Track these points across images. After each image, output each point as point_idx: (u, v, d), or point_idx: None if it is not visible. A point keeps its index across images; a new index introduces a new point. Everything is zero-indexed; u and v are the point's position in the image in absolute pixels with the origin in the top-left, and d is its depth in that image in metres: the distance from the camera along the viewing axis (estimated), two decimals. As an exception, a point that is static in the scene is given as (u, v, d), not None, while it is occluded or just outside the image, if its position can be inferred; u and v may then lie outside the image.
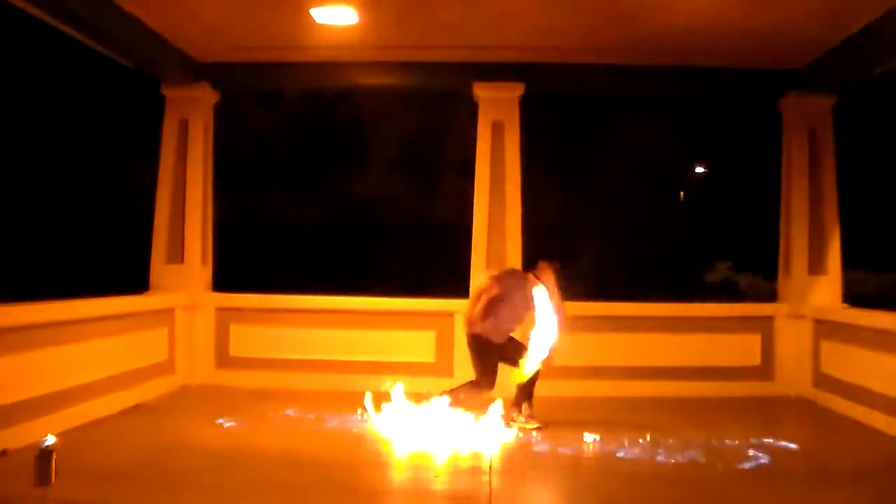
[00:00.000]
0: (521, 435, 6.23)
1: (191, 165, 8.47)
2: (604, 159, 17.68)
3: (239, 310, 8.41)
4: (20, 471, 4.04)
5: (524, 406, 6.45)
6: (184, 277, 8.33)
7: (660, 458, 5.61)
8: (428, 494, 4.85)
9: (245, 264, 13.28)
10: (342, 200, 16.79)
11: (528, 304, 6.34)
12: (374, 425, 6.31)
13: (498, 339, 6.31)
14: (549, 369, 6.42)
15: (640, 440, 6.06)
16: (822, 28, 6.97)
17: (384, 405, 6.32)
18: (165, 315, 7.86)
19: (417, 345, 8.17)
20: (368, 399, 6.40)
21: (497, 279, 6.44)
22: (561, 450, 5.90)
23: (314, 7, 6.81)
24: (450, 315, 8.10)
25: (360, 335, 8.20)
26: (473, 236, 8.32)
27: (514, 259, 8.12)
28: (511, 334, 6.42)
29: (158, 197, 8.48)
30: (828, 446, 6.16)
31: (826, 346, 7.69)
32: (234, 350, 8.30)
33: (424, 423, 6.08)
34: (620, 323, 8.19)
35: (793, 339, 8.10)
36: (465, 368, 7.94)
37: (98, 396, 6.44)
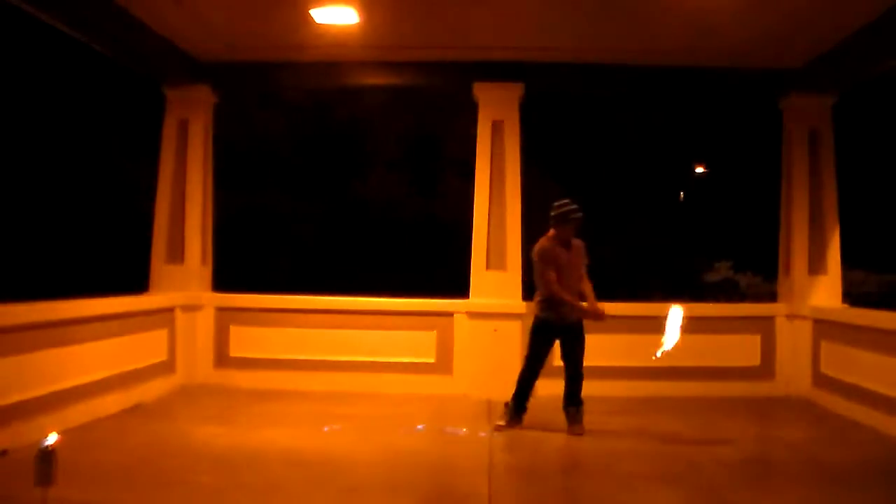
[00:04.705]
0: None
1: (191, 165, 8.46)
2: (604, 159, 17.70)
3: (239, 310, 8.40)
4: (20, 471, 4.04)
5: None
6: (184, 277, 8.32)
7: (659, 458, 5.61)
8: (429, 493, 4.85)
9: (245, 264, 13.29)
10: (342, 200, 16.81)
11: None
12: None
13: None
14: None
15: (639, 441, 6.06)
16: (822, 28, 6.97)
17: None
18: (165, 315, 7.85)
19: (417, 345, 8.16)
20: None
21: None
22: (560, 450, 5.90)
23: (314, 7, 6.81)
24: (450, 315, 8.10)
25: (361, 335, 8.18)
26: (473, 236, 8.31)
27: (514, 259, 8.12)
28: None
29: (158, 197, 8.48)
30: (827, 446, 6.15)
31: (826, 346, 7.68)
32: (234, 350, 8.29)
33: None
34: (620, 323, 8.17)
35: (793, 340, 8.09)
36: (465, 368, 7.97)
37: (98, 396, 6.43)
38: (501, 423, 6.39)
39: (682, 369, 8.03)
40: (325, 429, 6.31)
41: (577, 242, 6.47)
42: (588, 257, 6.56)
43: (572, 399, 6.37)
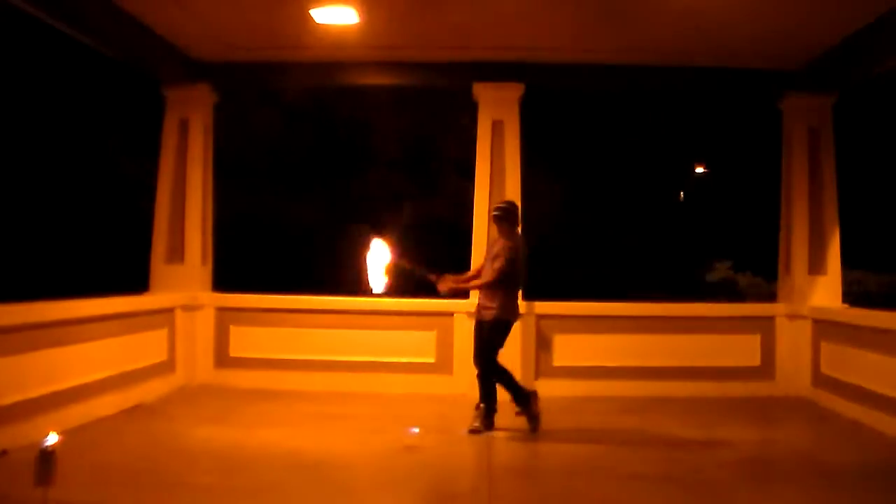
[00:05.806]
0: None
1: (191, 165, 8.47)
2: (604, 159, 17.70)
3: (239, 310, 8.40)
4: (20, 471, 4.04)
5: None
6: (184, 277, 8.33)
7: (659, 458, 5.61)
8: (428, 494, 4.85)
9: (245, 264, 13.29)
10: (342, 200, 16.79)
11: None
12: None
13: None
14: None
15: (639, 441, 6.06)
16: (822, 28, 6.97)
17: None
18: (165, 315, 7.85)
19: (417, 345, 8.17)
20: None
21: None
22: (560, 450, 5.90)
23: (314, 7, 6.81)
24: (450, 315, 8.10)
25: (361, 335, 8.19)
26: (473, 236, 8.32)
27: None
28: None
29: (158, 197, 8.48)
30: (827, 446, 6.15)
31: (826, 346, 7.69)
32: (234, 350, 8.29)
33: None
34: (620, 323, 8.19)
35: (793, 340, 8.09)
36: (465, 368, 7.96)
37: (98, 396, 6.43)
38: (477, 424, 6.25)
39: (682, 369, 8.05)
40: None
41: (500, 241, 6.45)
42: (499, 258, 6.35)
43: (480, 398, 6.37)
